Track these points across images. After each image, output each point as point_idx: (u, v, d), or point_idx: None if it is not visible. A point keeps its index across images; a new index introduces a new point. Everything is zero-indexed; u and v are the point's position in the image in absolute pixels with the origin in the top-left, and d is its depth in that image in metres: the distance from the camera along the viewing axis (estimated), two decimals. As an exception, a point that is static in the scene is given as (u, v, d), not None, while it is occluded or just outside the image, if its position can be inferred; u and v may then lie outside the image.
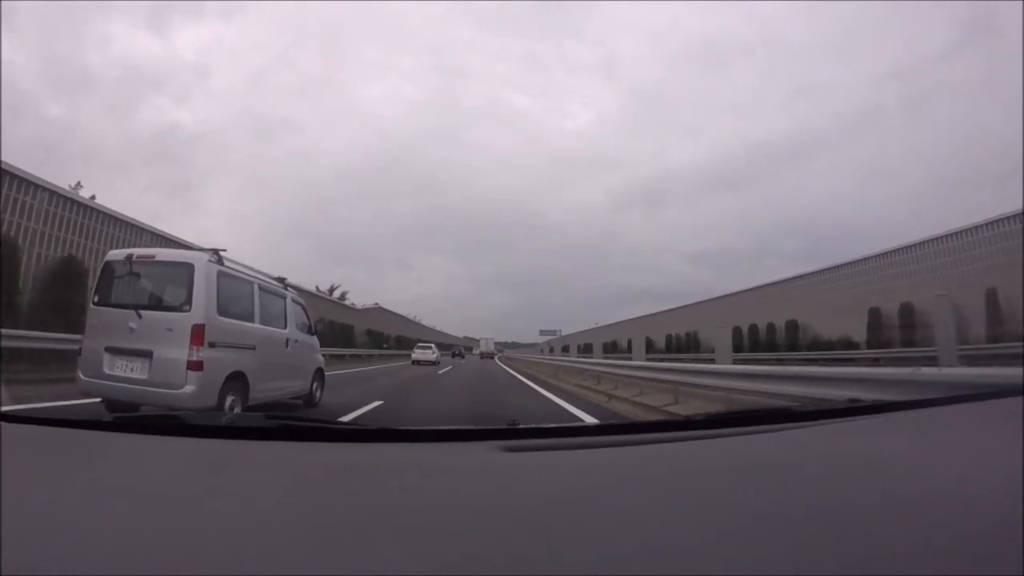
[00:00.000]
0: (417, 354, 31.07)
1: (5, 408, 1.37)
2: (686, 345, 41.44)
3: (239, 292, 5.94)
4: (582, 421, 6.22)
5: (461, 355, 51.99)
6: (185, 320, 5.12)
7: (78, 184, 21.11)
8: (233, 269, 5.93)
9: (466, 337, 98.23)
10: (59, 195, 16.22)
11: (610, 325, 59.85)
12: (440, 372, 20.53)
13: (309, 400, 7.49)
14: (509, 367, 27.63)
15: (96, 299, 5.56)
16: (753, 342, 33.52)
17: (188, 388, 4.94)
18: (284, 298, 6.98)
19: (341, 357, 29.71)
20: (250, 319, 6.04)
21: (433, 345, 33.47)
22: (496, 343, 68.89)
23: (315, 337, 8.05)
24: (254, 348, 5.92)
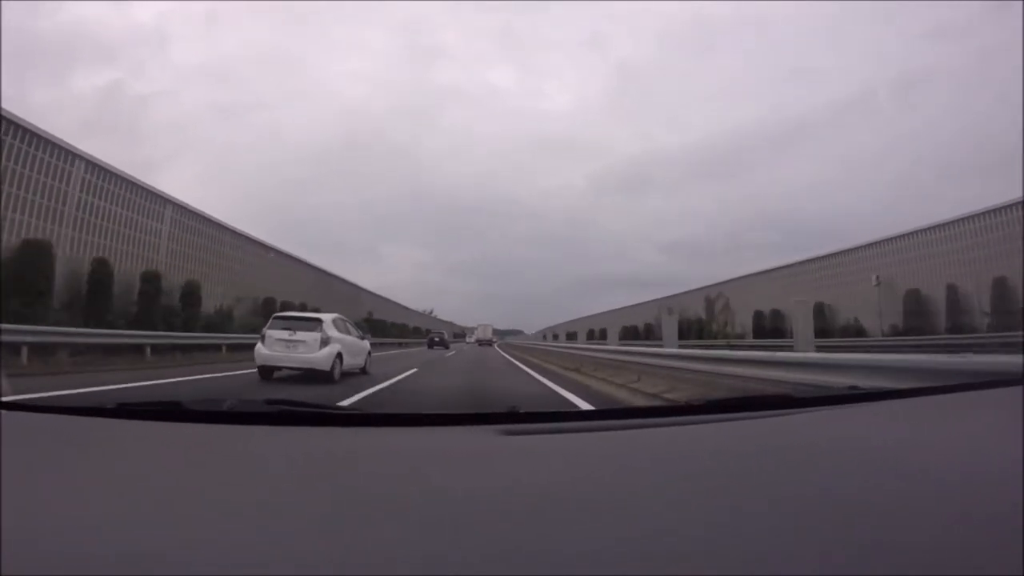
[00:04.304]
0: (268, 347, 9.32)
1: (7, 397, 1.37)
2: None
3: None
4: (580, 407, 6.24)
5: (444, 344, 35.66)
6: None
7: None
8: None
9: (451, 323, 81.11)
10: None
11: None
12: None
13: None
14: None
15: None
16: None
17: None
18: None
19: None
20: None
21: (349, 324, 11.22)
22: (495, 330, 66.86)
23: None
24: None
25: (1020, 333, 15.90)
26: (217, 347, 17.81)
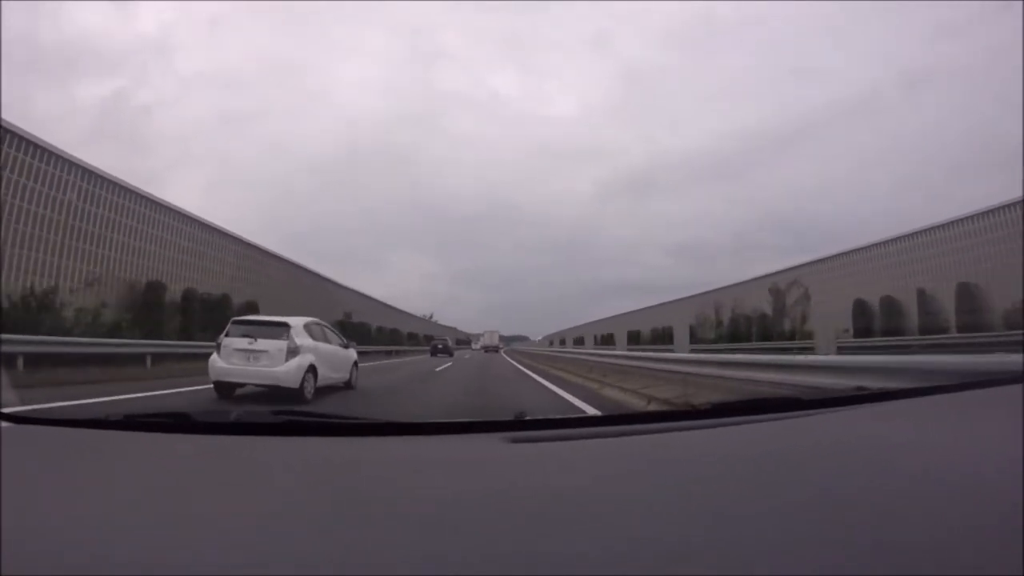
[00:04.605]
0: (225, 358, 7.83)
1: (13, 409, 1.38)
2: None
3: None
4: (587, 412, 6.23)
5: (448, 351, 33.18)
6: None
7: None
8: None
9: (454, 328, 75.12)
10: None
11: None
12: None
13: None
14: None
15: None
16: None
17: None
18: None
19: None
20: None
21: (328, 329, 9.53)
22: (502, 336, 66.76)
23: None
24: None
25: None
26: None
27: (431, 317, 68.01)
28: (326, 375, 8.41)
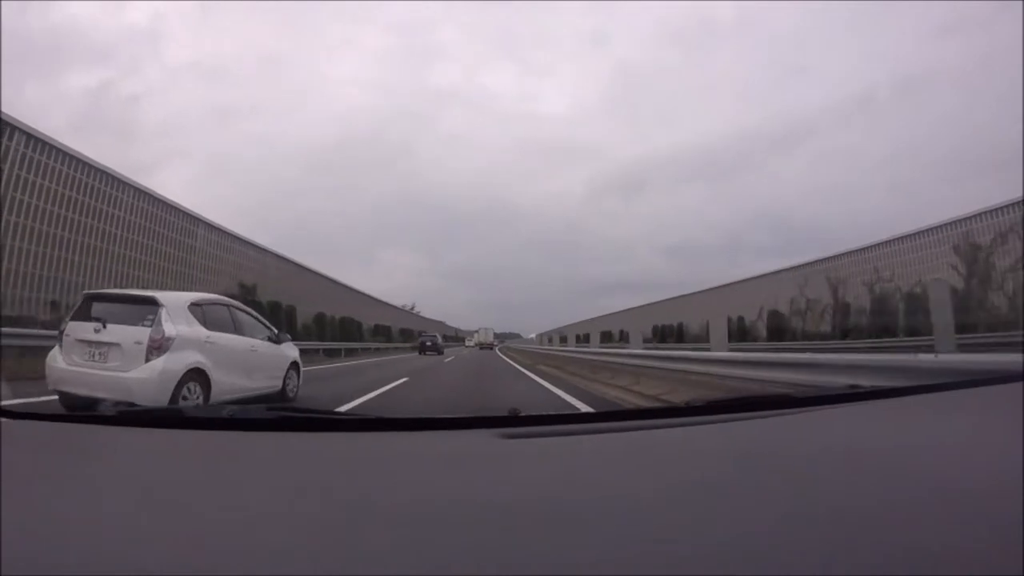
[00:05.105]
0: (66, 355, 4.96)
1: (5, 403, 1.37)
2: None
3: None
4: (581, 409, 6.24)
5: (437, 348, 31.27)
6: None
7: None
8: None
9: (441, 323, 73.48)
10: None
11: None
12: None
13: None
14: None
15: None
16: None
17: None
18: None
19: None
20: None
21: (241, 312, 6.30)
22: (496, 334, 67.28)
23: None
24: None
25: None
26: None
27: (412, 308, 58.74)
28: (232, 383, 5.60)
